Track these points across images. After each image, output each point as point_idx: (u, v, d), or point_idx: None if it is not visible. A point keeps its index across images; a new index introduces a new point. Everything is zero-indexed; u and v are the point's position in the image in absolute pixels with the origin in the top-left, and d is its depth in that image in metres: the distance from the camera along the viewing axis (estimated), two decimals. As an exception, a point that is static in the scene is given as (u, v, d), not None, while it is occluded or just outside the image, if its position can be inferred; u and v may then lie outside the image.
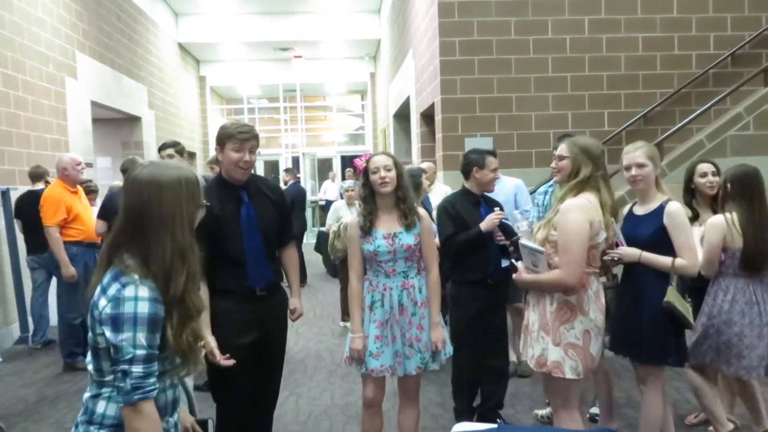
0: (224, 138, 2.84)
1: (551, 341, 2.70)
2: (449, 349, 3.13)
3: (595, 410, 3.87)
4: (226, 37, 13.83)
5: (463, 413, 3.87)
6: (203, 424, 2.09)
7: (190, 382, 3.83)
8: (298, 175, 10.62)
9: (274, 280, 3.01)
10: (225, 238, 2.85)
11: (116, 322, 1.60)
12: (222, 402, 2.95)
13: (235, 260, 2.87)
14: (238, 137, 2.82)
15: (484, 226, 3.58)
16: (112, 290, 1.64)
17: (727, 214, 3.22)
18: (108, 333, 1.61)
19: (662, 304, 2.94)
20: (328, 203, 15.66)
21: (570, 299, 2.69)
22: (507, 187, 4.65)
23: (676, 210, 2.94)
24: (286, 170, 9.96)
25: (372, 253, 2.97)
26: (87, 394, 1.74)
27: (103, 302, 1.64)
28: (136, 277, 1.64)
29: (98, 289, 1.68)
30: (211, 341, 2.73)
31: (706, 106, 6.15)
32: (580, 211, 2.64)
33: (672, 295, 2.94)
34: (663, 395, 3.16)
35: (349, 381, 4.80)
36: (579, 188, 2.73)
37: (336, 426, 4.06)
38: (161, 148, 4.71)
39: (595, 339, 2.72)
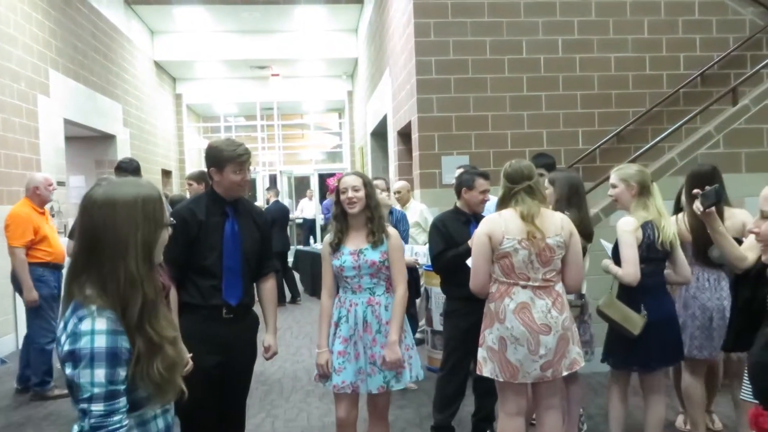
0: (223, 161, 2.86)
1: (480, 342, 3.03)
2: (417, 372, 3.11)
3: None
4: (203, 55, 13.78)
5: (440, 431, 3.87)
6: None
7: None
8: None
9: (246, 302, 2.98)
10: (204, 248, 2.85)
11: (74, 359, 1.51)
12: (187, 424, 2.90)
13: (211, 273, 2.86)
14: (238, 160, 2.86)
15: (471, 242, 3.61)
16: (70, 325, 1.54)
17: (680, 215, 3.55)
18: (68, 370, 1.52)
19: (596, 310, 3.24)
20: (306, 221, 15.65)
21: (489, 306, 2.99)
22: (487, 205, 4.67)
23: (618, 224, 3.28)
24: (269, 189, 9.92)
25: (338, 268, 3.04)
26: (77, 428, 1.60)
27: (63, 338, 1.55)
28: (94, 308, 1.53)
29: (61, 325, 1.58)
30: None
31: (677, 125, 6.25)
32: (482, 225, 3.01)
33: (605, 302, 3.25)
34: (618, 397, 3.45)
35: (326, 402, 4.73)
36: (501, 205, 3.04)
37: (312, 448, 4.00)
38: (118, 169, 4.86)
39: (514, 348, 2.88)
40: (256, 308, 3.12)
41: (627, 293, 3.25)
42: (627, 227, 3.20)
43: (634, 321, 3.18)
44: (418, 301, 6.11)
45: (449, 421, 3.88)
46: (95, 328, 1.51)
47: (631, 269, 3.16)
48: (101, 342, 1.51)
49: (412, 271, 5.15)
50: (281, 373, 5.64)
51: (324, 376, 3.04)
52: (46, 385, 5.13)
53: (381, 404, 3.12)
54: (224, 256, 2.87)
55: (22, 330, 5.65)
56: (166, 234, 1.68)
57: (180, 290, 2.84)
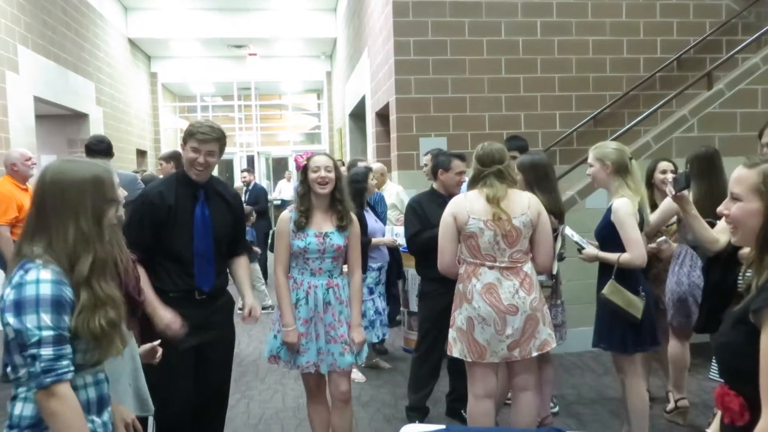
0: (186, 135, 2.82)
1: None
2: (366, 352, 3.22)
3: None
4: (179, 33, 13.52)
5: (414, 411, 3.90)
6: (144, 420, 2.04)
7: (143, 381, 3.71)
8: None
9: (218, 284, 2.94)
10: (174, 233, 2.79)
11: (18, 307, 1.57)
12: (161, 406, 2.87)
13: (181, 258, 2.80)
14: (197, 137, 2.77)
15: None
16: (16, 278, 1.61)
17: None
18: (11, 319, 1.57)
19: (599, 297, 3.16)
20: (284, 203, 15.55)
21: (459, 286, 3.02)
22: (463, 187, 4.68)
23: (616, 206, 3.09)
24: (249, 170, 9.78)
25: (302, 249, 2.99)
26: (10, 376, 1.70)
27: (7, 291, 1.61)
28: (39, 261, 1.62)
29: (7, 282, 1.66)
30: (166, 315, 2.67)
31: (652, 109, 6.29)
32: (448, 206, 3.06)
33: (610, 289, 3.11)
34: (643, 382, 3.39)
35: (301, 383, 4.72)
36: (470, 186, 3.06)
37: (287, 429, 4.01)
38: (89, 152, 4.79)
39: (481, 328, 2.91)
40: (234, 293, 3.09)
41: (625, 277, 3.12)
42: (629, 209, 3.05)
43: (636, 305, 3.10)
44: (400, 282, 6.11)
45: (424, 401, 3.92)
46: (40, 278, 1.59)
47: (639, 251, 3.04)
48: (46, 290, 1.59)
49: (394, 252, 5.15)
50: (257, 354, 5.62)
51: (292, 354, 3.04)
52: None
53: (344, 387, 3.10)
54: (195, 242, 2.81)
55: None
56: (115, 211, 1.77)
57: (150, 275, 2.77)
